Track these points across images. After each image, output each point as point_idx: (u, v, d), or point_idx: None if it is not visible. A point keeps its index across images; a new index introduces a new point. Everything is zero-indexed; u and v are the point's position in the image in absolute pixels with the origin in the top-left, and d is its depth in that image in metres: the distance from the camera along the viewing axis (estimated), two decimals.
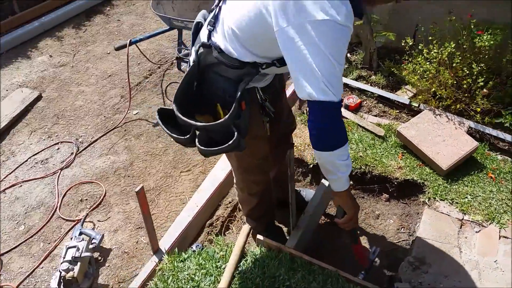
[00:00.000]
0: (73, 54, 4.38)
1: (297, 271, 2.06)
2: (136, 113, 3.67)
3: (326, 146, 1.52)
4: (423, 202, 2.51)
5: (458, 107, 2.83)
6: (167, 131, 1.66)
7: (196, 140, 1.61)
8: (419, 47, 2.86)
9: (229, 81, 1.66)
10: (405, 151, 2.73)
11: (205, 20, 1.81)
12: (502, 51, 2.80)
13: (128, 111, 3.61)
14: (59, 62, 4.26)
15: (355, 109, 3.10)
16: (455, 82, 2.81)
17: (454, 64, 2.74)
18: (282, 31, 1.40)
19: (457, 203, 2.43)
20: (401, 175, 2.62)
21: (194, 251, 2.25)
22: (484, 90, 2.78)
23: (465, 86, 2.78)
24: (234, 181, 2.31)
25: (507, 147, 2.81)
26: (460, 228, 2.31)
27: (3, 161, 3.26)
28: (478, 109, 2.78)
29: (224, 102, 1.67)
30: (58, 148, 3.36)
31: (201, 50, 1.67)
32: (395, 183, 2.64)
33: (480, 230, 2.29)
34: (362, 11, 1.48)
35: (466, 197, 2.45)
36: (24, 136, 3.47)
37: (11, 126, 3.54)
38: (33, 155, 3.29)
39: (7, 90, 3.91)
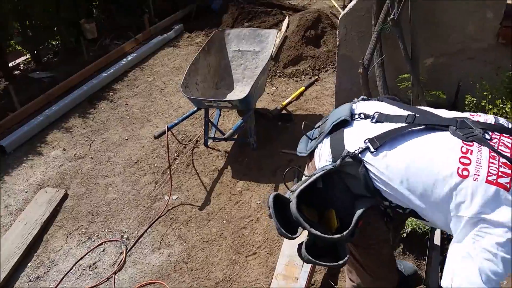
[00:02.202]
0: (88, 144, 4.12)
1: None
2: (177, 198, 3.42)
3: None
4: None
5: None
6: (276, 221, 1.55)
7: (304, 246, 1.53)
8: (482, 103, 2.90)
9: (352, 195, 1.61)
10: None
11: (355, 117, 1.69)
12: None
13: (169, 198, 3.37)
14: (76, 155, 3.98)
15: None
16: None
17: None
18: (461, 218, 1.34)
19: None
20: None
21: None
22: None
23: None
24: (352, 282, 2.05)
25: None
26: None
27: (44, 272, 2.87)
28: None
29: (338, 210, 1.61)
30: (104, 249, 3.02)
31: (349, 159, 1.56)
32: None
33: None
34: None
35: None
36: (60, 241, 3.10)
37: (43, 232, 3.17)
38: (78, 261, 2.93)
39: (26, 192, 3.56)
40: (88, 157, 3.93)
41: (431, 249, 2.37)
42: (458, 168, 1.37)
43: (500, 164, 1.36)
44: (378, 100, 1.76)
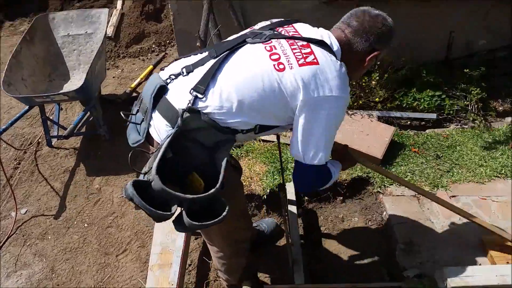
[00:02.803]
0: None
1: None
2: (26, 212, 3.06)
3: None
4: (376, 192, 2.70)
5: (360, 102, 3.14)
6: (147, 207, 1.43)
7: (185, 215, 1.46)
8: None
9: (208, 150, 1.60)
10: None
11: (168, 81, 1.67)
12: None
13: (16, 213, 2.99)
14: None
15: None
16: (353, 82, 3.11)
17: None
18: (303, 103, 1.54)
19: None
20: (347, 176, 2.78)
21: None
22: (373, 82, 3.16)
23: (364, 84, 3.11)
24: (216, 254, 2.09)
25: (408, 122, 3.24)
26: (419, 202, 2.56)
27: None
28: (377, 99, 3.13)
29: (199, 170, 1.57)
30: None
31: (187, 115, 1.54)
32: (345, 184, 2.78)
33: None
34: None
35: (407, 175, 2.73)
36: None
37: None
38: None
39: None
40: None
41: (287, 203, 2.51)
42: (274, 65, 1.55)
43: (299, 47, 1.59)
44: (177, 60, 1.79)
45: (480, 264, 2.19)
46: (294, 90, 1.54)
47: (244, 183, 2.81)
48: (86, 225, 2.95)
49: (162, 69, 1.77)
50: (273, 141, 3.10)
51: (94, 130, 3.55)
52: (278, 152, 2.25)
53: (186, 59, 1.73)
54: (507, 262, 2.13)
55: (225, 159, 1.56)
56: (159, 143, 1.63)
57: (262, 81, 1.55)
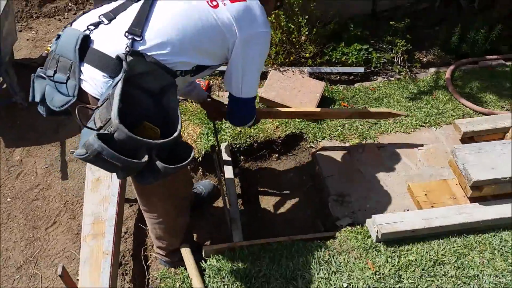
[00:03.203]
0: None
1: (262, 258, 2.04)
2: None
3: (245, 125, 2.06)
4: (309, 147, 2.74)
5: (291, 59, 3.13)
6: (121, 157, 1.33)
7: (159, 161, 1.41)
8: None
9: (153, 97, 1.55)
10: None
11: (88, 33, 1.56)
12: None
13: None
14: None
15: (208, 91, 3.07)
16: (284, 38, 3.08)
17: (282, 24, 3.01)
18: (239, 39, 1.64)
19: (334, 136, 2.74)
20: (281, 132, 2.79)
21: None
22: (303, 37, 3.14)
23: (293, 39, 3.08)
24: (157, 220, 2.03)
25: (338, 77, 3.29)
26: (350, 155, 2.64)
27: None
28: (307, 55, 3.13)
29: (150, 118, 1.50)
30: None
31: (130, 58, 1.46)
32: (279, 141, 2.80)
33: (363, 150, 2.66)
34: None
35: (338, 129, 2.78)
36: None
37: None
38: None
39: None
40: None
41: (222, 164, 2.51)
42: (207, 2, 1.61)
43: None
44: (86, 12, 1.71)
45: (407, 210, 2.32)
46: (230, 24, 1.62)
47: None
48: (9, 199, 2.76)
49: (70, 24, 1.65)
50: None
51: (10, 98, 3.27)
52: None
53: (98, 9, 1.66)
54: (432, 206, 2.27)
55: (176, 101, 1.55)
56: (96, 98, 1.54)
57: (199, 18, 1.58)
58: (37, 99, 1.67)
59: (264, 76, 3.10)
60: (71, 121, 2.41)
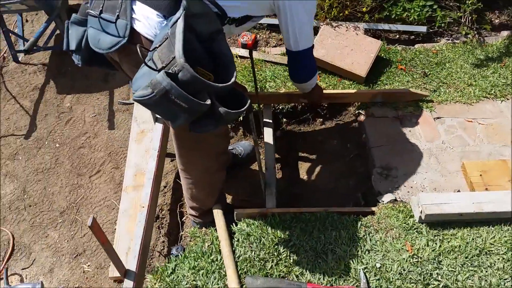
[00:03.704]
0: None
1: (293, 228, 1.97)
2: None
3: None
4: (357, 113, 2.57)
5: (346, 13, 2.88)
6: (189, 97, 1.28)
7: (217, 104, 1.37)
8: None
9: (203, 43, 1.45)
10: (320, 72, 2.71)
11: None
12: None
13: None
14: None
15: (254, 46, 2.93)
16: None
17: None
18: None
19: (387, 102, 2.53)
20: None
21: (176, 256, 1.97)
22: None
23: None
24: (195, 178, 2.02)
25: (397, 36, 3.00)
26: (401, 124, 2.44)
27: None
28: (364, 9, 2.86)
29: (203, 65, 1.41)
30: None
31: None
32: (325, 105, 2.64)
33: (417, 120, 2.45)
34: None
35: None
36: None
37: None
38: None
39: None
40: None
41: (263, 126, 2.40)
42: None
43: None
44: None
45: (458, 191, 2.13)
46: None
47: None
48: (57, 145, 2.86)
49: None
50: (247, 57, 2.89)
51: (62, 44, 3.31)
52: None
53: None
54: (486, 189, 2.07)
55: (228, 47, 1.51)
56: (149, 39, 1.47)
57: None
58: (72, 47, 1.63)
59: (315, 31, 2.89)
60: (119, 71, 2.39)
